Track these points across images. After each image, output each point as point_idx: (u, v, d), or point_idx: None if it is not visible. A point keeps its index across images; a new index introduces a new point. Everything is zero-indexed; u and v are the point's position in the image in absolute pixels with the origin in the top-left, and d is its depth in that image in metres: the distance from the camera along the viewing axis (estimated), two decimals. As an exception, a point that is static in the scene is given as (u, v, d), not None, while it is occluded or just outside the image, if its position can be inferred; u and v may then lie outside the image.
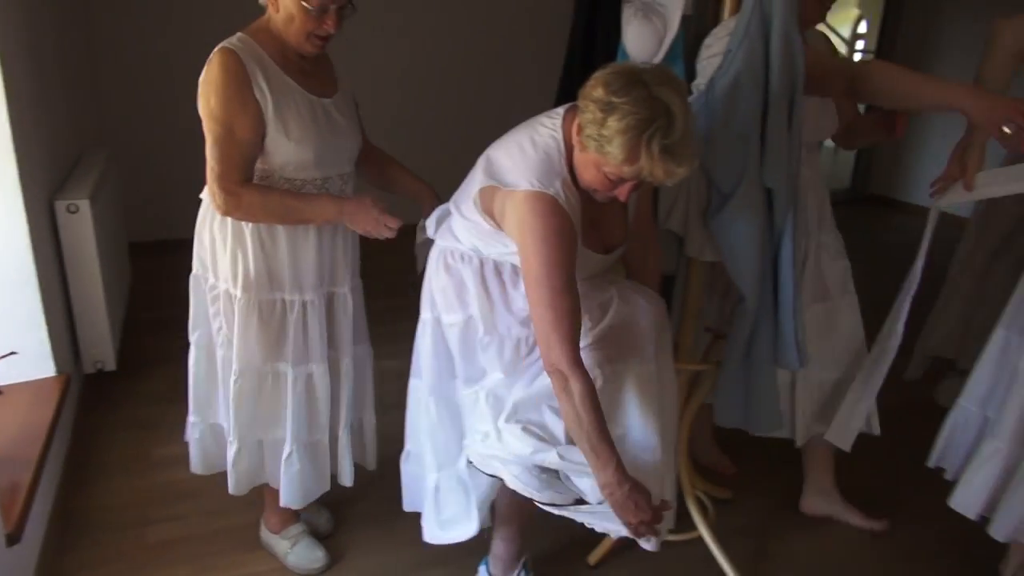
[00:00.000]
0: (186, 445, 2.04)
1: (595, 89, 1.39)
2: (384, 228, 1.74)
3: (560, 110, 1.56)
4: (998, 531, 1.87)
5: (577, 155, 1.48)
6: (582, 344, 1.55)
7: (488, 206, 1.57)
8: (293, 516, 2.09)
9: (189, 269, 1.89)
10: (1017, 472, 1.81)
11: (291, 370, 1.83)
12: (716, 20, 1.92)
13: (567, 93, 2.07)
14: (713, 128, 1.72)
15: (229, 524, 2.22)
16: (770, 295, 1.79)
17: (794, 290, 1.76)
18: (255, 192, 1.69)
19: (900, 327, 1.92)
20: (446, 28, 4.68)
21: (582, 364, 1.46)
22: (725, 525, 2.20)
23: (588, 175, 1.48)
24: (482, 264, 1.65)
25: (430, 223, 1.80)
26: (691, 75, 1.94)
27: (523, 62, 4.61)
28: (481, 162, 1.61)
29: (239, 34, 1.67)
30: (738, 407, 1.92)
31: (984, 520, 1.91)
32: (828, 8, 1.94)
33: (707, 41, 1.87)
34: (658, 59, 1.87)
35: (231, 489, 1.94)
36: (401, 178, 2.00)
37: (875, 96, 1.78)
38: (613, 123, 1.34)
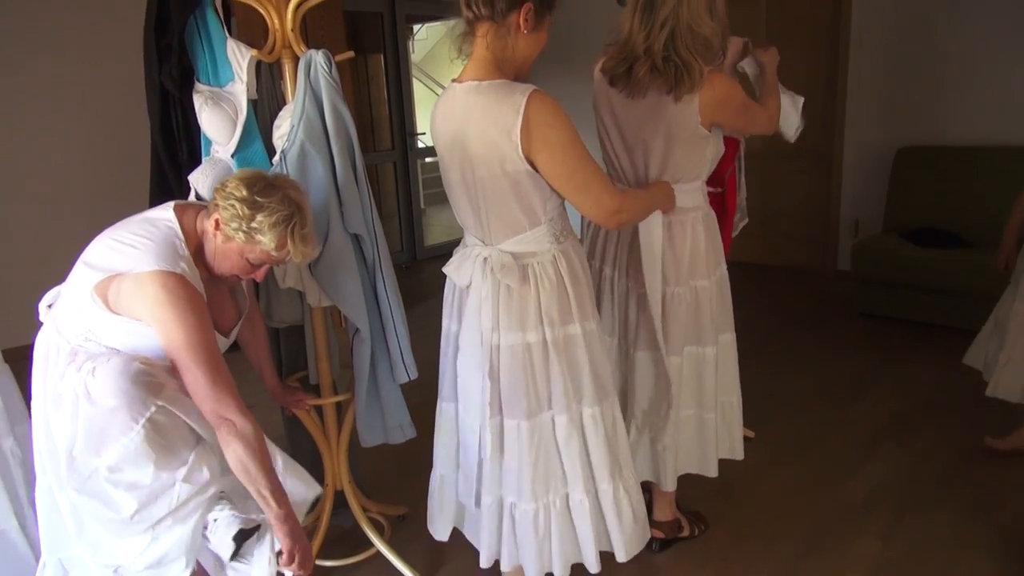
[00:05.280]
0: None
1: (238, 190, 1.61)
2: None
3: (167, 208, 1.70)
4: None
5: (218, 246, 1.65)
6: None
7: (103, 295, 1.61)
8: None
9: None
10: None
11: None
12: (284, 101, 2.20)
13: (161, 186, 2.18)
14: (294, 192, 1.98)
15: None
16: (378, 322, 2.09)
17: (393, 314, 2.08)
18: None
19: None
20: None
21: (246, 409, 1.60)
22: (401, 537, 2.43)
23: (229, 263, 1.67)
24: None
25: (43, 306, 1.78)
26: (271, 151, 2.18)
27: (115, 164, 4.57)
28: (80, 267, 1.64)
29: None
30: (378, 426, 2.18)
31: None
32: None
33: (276, 123, 2.12)
34: (235, 140, 2.06)
35: None
36: None
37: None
38: (263, 218, 1.60)
